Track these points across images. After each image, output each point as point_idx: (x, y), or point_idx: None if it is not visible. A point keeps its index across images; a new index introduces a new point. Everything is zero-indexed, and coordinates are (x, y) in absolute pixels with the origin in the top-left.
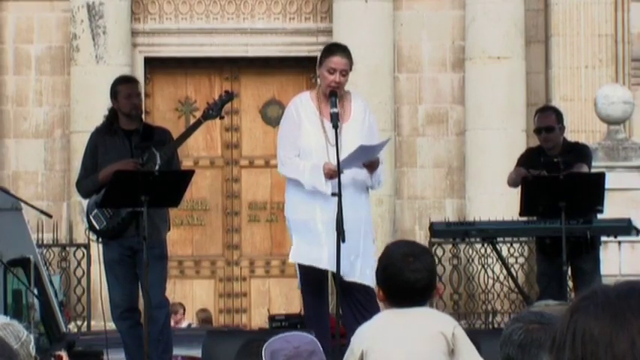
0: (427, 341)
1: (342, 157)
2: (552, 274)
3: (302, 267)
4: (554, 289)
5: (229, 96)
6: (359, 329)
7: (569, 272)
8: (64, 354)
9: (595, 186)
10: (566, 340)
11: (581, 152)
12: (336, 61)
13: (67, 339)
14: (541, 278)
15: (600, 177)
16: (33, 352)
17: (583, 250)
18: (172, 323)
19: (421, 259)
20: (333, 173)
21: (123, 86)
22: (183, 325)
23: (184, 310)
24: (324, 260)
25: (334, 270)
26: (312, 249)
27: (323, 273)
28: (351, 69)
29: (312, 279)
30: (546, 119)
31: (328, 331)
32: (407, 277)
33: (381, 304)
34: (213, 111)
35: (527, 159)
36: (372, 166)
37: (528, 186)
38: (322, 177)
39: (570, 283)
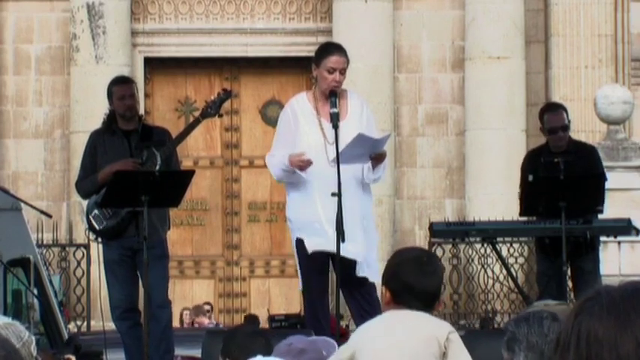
0: (418, 343)
1: (341, 150)
2: (552, 274)
3: (305, 262)
4: (553, 289)
5: (227, 94)
6: (359, 328)
7: (569, 272)
8: (72, 357)
9: (595, 186)
10: (571, 342)
11: (590, 156)
12: (335, 60)
13: (74, 342)
14: (541, 278)
15: (600, 177)
16: (34, 352)
17: (583, 250)
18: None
19: (434, 263)
20: (301, 163)
21: (116, 88)
22: (208, 324)
23: (212, 308)
24: (330, 242)
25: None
26: (318, 238)
27: (326, 271)
28: (347, 67)
29: (316, 275)
30: (559, 118)
31: (328, 330)
32: (421, 280)
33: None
34: (212, 109)
35: (530, 163)
36: (378, 158)
37: (528, 186)
38: (287, 164)
39: (570, 284)
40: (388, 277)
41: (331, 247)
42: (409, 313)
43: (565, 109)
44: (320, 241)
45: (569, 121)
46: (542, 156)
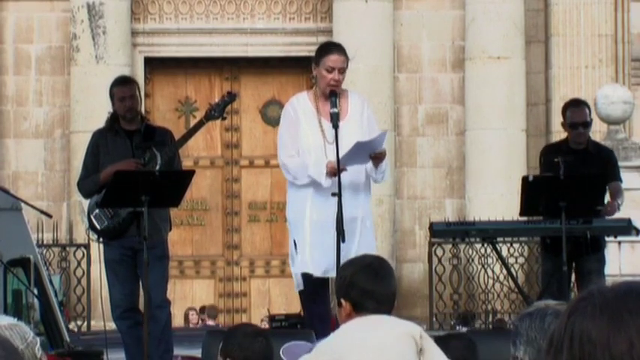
0: (399, 342)
1: (340, 155)
2: (554, 272)
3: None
4: (555, 288)
5: (232, 97)
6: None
7: (574, 272)
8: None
9: (595, 186)
10: (564, 342)
11: (608, 158)
12: (334, 59)
13: (71, 350)
14: (544, 277)
15: (600, 177)
16: (39, 353)
17: (587, 250)
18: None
19: (386, 267)
20: (335, 171)
21: (116, 89)
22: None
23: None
24: (309, 266)
25: (320, 275)
26: (303, 256)
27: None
28: (347, 66)
29: (311, 282)
30: (582, 114)
31: (329, 331)
32: (380, 285)
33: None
34: (216, 112)
35: (548, 155)
36: (378, 158)
37: (528, 186)
38: (324, 170)
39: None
40: (346, 288)
41: (312, 270)
42: (378, 317)
43: (588, 106)
44: (305, 264)
45: (591, 119)
46: (545, 155)
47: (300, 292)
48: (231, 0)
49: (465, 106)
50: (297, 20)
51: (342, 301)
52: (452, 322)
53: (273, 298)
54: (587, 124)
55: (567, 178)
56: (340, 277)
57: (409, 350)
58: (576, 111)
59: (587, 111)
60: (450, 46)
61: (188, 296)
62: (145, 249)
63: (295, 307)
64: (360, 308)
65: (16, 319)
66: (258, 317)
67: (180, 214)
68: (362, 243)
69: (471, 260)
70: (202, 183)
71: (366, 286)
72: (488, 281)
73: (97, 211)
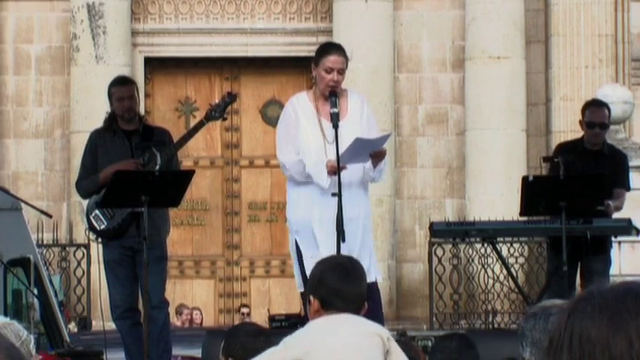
0: (366, 340)
1: (340, 153)
2: (556, 272)
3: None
4: (560, 287)
5: (232, 98)
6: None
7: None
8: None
9: (595, 186)
10: (564, 342)
11: (620, 164)
12: (333, 60)
13: (71, 350)
14: (547, 275)
15: (601, 177)
16: (33, 350)
17: (588, 250)
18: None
19: (358, 268)
20: (336, 170)
21: (115, 89)
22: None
23: (200, 312)
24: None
25: None
26: (317, 255)
27: None
28: (347, 67)
29: None
30: (601, 115)
31: None
32: (348, 285)
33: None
34: (216, 112)
35: (561, 153)
36: (378, 156)
37: (528, 186)
38: (324, 171)
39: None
40: (315, 286)
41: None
42: (346, 315)
43: (608, 109)
44: (313, 252)
45: (609, 122)
46: (568, 150)
47: (302, 292)
48: (231, 0)
49: (465, 106)
50: (297, 20)
51: (311, 298)
52: (517, 321)
53: (273, 298)
54: (604, 126)
55: (567, 178)
56: (311, 275)
57: (376, 349)
58: (595, 111)
59: (607, 113)
60: (450, 46)
61: (188, 296)
62: (144, 249)
63: (295, 307)
64: (328, 306)
65: (8, 319)
66: (258, 317)
67: (180, 214)
68: (365, 243)
69: (471, 260)
70: (202, 183)
71: (335, 284)
72: (488, 281)
73: (96, 211)
